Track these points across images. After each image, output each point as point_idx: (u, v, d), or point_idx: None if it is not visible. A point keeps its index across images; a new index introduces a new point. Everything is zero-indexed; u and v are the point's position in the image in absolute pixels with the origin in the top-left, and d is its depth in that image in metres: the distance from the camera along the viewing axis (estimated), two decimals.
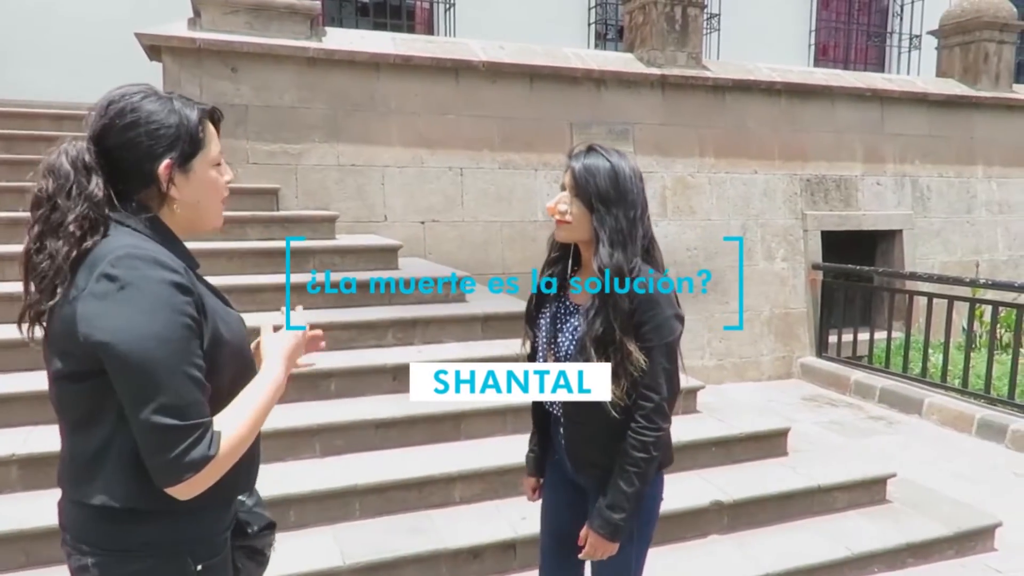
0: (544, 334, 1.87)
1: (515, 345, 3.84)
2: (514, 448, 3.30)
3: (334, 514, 2.90)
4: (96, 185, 1.22)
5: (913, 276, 6.03)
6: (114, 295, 1.15)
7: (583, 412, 1.77)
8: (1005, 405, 5.09)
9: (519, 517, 2.98)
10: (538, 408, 1.97)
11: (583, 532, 1.79)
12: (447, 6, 8.91)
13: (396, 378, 3.57)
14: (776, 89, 6.59)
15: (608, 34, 10.08)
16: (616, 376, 1.68)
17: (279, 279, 4.04)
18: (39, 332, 1.26)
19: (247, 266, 4.14)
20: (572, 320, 1.82)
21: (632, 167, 1.76)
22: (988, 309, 5.47)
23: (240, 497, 1.49)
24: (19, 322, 1.25)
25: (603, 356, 1.69)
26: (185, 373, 1.15)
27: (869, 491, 3.49)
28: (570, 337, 1.80)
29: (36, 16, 7.24)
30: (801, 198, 6.74)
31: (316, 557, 2.65)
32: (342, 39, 5.41)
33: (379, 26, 8.48)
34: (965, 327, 6.07)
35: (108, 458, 1.21)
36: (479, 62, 5.60)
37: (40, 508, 2.65)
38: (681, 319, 1.75)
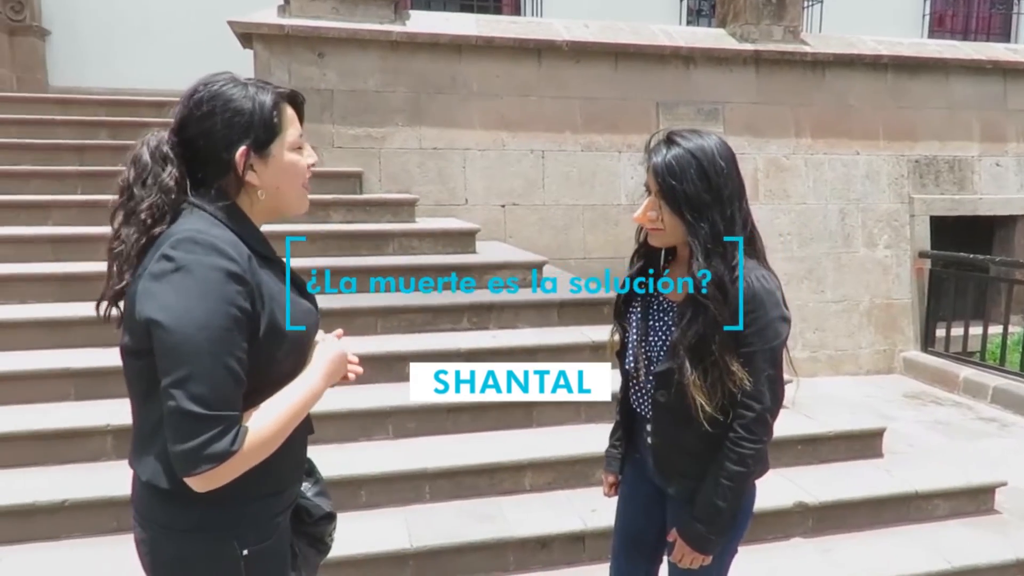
0: (635, 331, 1.73)
1: (591, 332, 3.81)
2: (587, 438, 3.24)
3: (405, 496, 2.92)
4: (169, 175, 1.25)
5: None
6: (168, 276, 1.16)
7: (676, 419, 1.65)
8: None
9: (589, 509, 2.91)
10: (625, 404, 1.86)
11: (672, 533, 1.70)
12: None
13: (470, 362, 3.55)
14: (882, 63, 6.14)
15: (702, 9, 9.71)
16: (712, 391, 1.55)
17: (361, 262, 4.10)
18: (115, 312, 1.30)
19: (330, 248, 4.21)
20: (665, 319, 1.69)
21: (721, 151, 1.56)
22: None
23: (305, 484, 1.50)
24: (98, 304, 1.30)
25: (699, 367, 1.55)
26: (222, 363, 1.14)
27: (974, 499, 3.21)
28: (663, 338, 1.67)
29: (136, 10, 7.63)
30: (908, 181, 6.28)
31: (385, 538, 2.67)
32: (425, 22, 5.41)
33: (466, 8, 8.46)
34: None
35: (159, 437, 1.21)
36: (562, 42, 5.47)
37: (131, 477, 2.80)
38: (788, 321, 1.59)
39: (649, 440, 1.75)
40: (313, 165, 1.40)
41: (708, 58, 5.81)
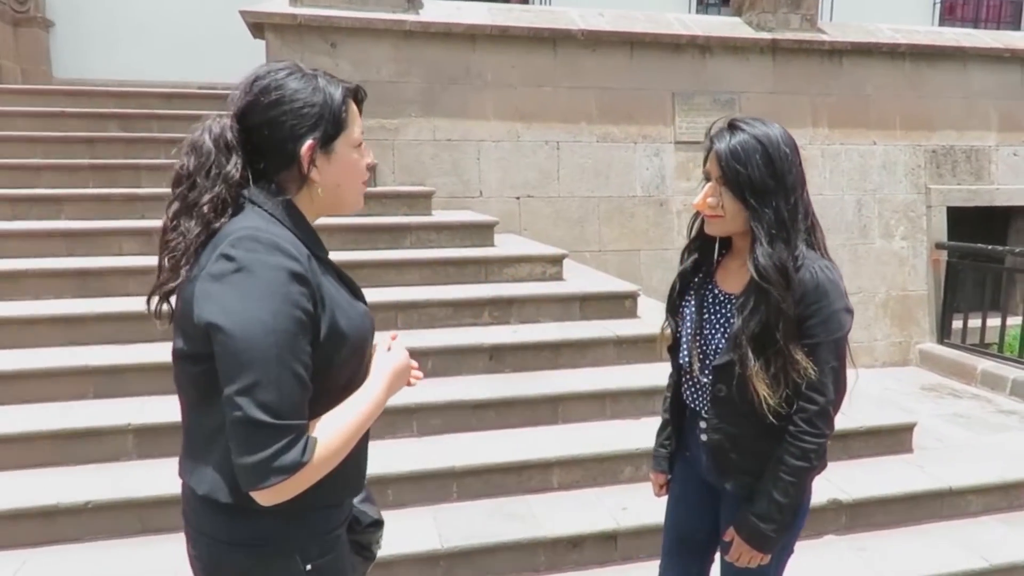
0: (689, 325, 1.68)
1: (615, 327, 3.76)
2: (613, 434, 3.20)
3: (432, 495, 2.87)
4: (235, 165, 1.18)
5: None
6: (229, 276, 1.09)
7: (735, 413, 1.60)
8: None
9: (620, 507, 2.87)
10: (676, 401, 1.81)
11: (729, 532, 1.65)
12: None
13: (492, 358, 3.51)
14: (900, 52, 6.07)
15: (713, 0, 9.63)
16: (776, 382, 1.51)
17: (377, 255, 4.04)
18: (165, 308, 1.23)
19: (346, 242, 4.15)
20: (722, 311, 1.64)
21: (785, 138, 1.54)
22: None
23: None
24: (148, 298, 1.22)
25: (761, 357, 1.51)
26: (289, 368, 1.08)
27: (1007, 495, 3.16)
28: (720, 330, 1.62)
29: (141, 0, 7.53)
30: (925, 171, 6.21)
31: (415, 539, 2.62)
32: (438, 11, 5.33)
33: None
34: None
35: (217, 447, 1.15)
36: (578, 31, 5.39)
37: (155, 477, 2.75)
38: (851, 312, 1.55)
39: (704, 437, 1.70)
40: (370, 165, 1.34)
41: (724, 47, 5.73)
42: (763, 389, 1.51)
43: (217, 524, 1.21)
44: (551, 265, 4.18)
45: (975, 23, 10.47)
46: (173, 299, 1.22)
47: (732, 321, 1.58)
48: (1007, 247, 6.26)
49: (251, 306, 1.07)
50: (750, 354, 1.51)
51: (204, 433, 1.18)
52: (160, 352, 3.28)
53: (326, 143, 1.22)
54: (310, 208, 1.26)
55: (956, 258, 6.08)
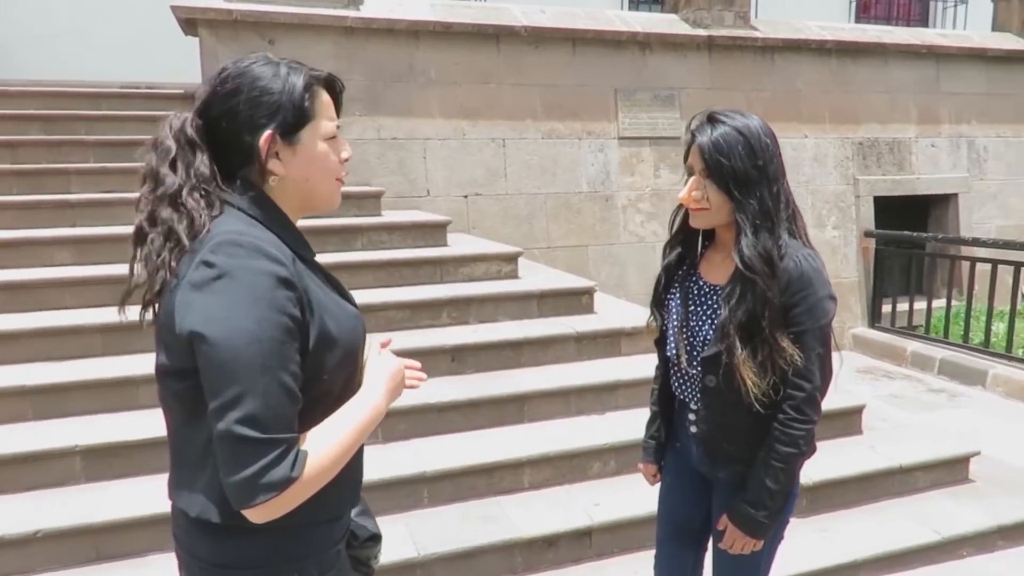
0: (675, 317, 1.71)
1: (574, 323, 3.77)
2: (579, 430, 3.21)
3: (403, 502, 2.81)
4: (202, 162, 1.12)
5: (975, 242, 5.77)
6: (210, 284, 1.03)
7: (724, 403, 1.63)
8: None
9: (592, 503, 2.88)
10: (664, 392, 1.83)
11: (723, 520, 1.68)
12: None
13: (455, 359, 3.47)
14: (827, 48, 6.31)
15: None
16: (763, 370, 1.53)
17: (328, 258, 3.91)
18: (148, 316, 1.16)
19: None
20: (708, 302, 1.66)
21: (764, 128, 1.56)
22: None
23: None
24: (120, 305, 1.15)
25: (748, 345, 1.54)
26: (277, 379, 1.02)
27: (952, 470, 3.34)
28: (707, 322, 1.64)
29: None
30: (853, 162, 6.49)
31: (390, 547, 2.54)
32: (379, 7, 5.22)
33: None
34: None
35: (208, 466, 1.09)
36: (521, 27, 5.39)
37: (107, 500, 2.61)
38: (834, 299, 1.59)
39: (693, 428, 1.73)
40: (347, 160, 1.27)
41: (663, 44, 5.83)
42: (751, 377, 1.53)
43: (211, 546, 1.14)
44: (506, 263, 4.16)
45: (888, 20, 11.00)
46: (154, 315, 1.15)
47: (719, 312, 1.60)
48: (929, 233, 6.61)
49: (235, 314, 1.01)
50: (737, 343, 1.53)
51: (193, 452, 1.12)
52: (105, 367, 3.13)
53: (288, 134, 1.15)
54: (283, 204, 1.19)
55: (883, 245, 6.38)
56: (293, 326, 1.05)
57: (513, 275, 4.17)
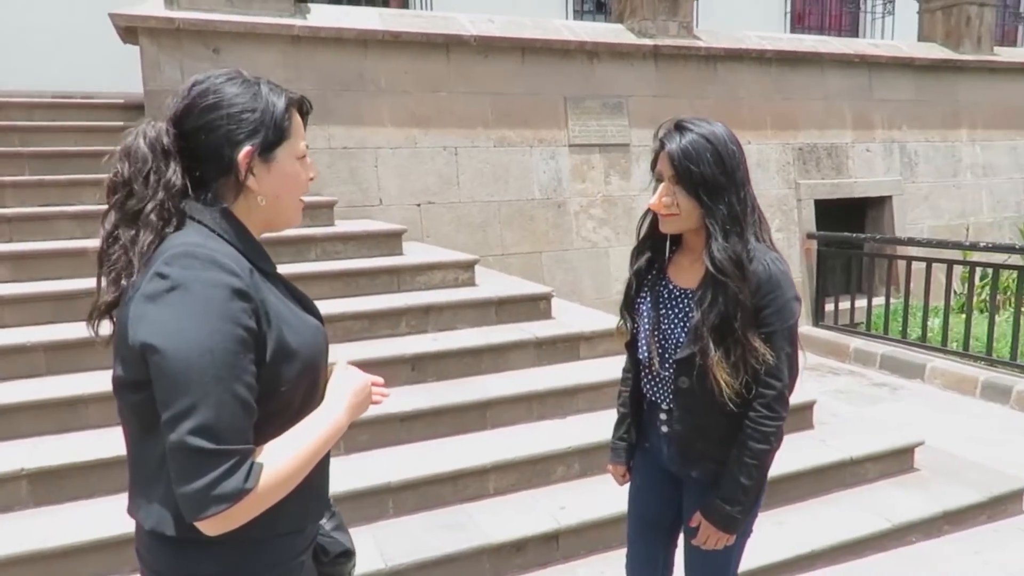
0: (647, 321, 1.74)
1: (533, 328, 3.80)
2: (542, 435, 3.23)
3: (368, 513, 2.78)
4: (174, 172, 1.12)
5: (911, 242, 6.04)
6: (163, 296, 1.02)
7: (697, 404, 1.66)
8: (1007, 367, 5.14)
9: (558, 507, 2.90)
10: (633, 394, 1.87)
11: (696, 517, 1.71)
12: None
13: (415, 368, 3.45)
14: (767, 57, 6.52)
15: (586, 7, 9.90)
16: (736, 370, 1.57)
17: (282, 269, 3.85)
18: (106, 331, 1.14)
19: None
20: (679, 306, 1.70)
21: (730, 136, 1.61)
22: (981, 271, 5.51)
23: (321, 520, 1.37)
24: (89, 319, 1.14)
25: (721, 346, 1.57)
26: (230, 390, 1.01)
27: (898, 460, 3.47)
28: (679, 324, 1.68)
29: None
30: (794, 167, 6.71)
31: (357, 560, 2.52)
32: (327, 16, 5.18)
33: (353, 2, 8.20)
34: (959, 291, 6.12)
35: (163, 479, 1.07)
36: (470, 36, 5.41)
37: (58, 524, 2.51)
38: (799, 300, 1.64)
39: (665, 428, 1.77)
40: (312, 179, 1.29)
41: (610, 53, 5.93)
42: (724, 377, 1.57)
43: (168, 560, 1.13)
44: (463, 271, 4.16)
45: (821, 30, 11.39)
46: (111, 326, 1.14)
47: (690, 315, 1.64)
48: (867, 234, 6.88)
49: (187, 325, 1.01)
50: (711, 345, 1.57)
51: (149, 465, 1.10)
52: (50, 387, 3.01)
53: (266, 151, 1.17)
54: (249, 219, 1.19)
55: (825, 246, 6.61)
56: (248, 337, 1.05)
57: (470, 282, 4.18)
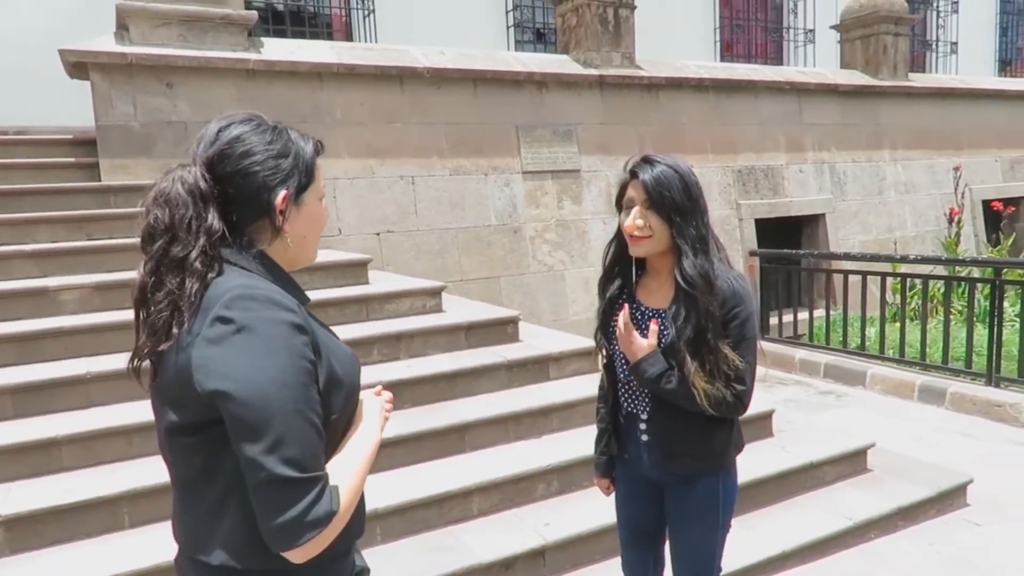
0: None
1: (503, 351, 3.88)
2: (520, 455, 3.31)
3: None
4: (214, 218, 1.14)
5: (847, 256, 6.39)
6: (229, 339, 1.06)
7: (678, 412, 1.80)
8: (940, 370, 5.49)
9: (543, 524, 2.98)
10: (612, 408, 1.99)
11: (623, 315, 1.82)
12: (366, 12, 8.74)
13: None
14: (705, 85, 6.85)
15: (526, 36, 10.17)
16: (712, 377, 1.72)
17: None
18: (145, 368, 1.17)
19: None
20: (653, 325, 1.83)
21: (690, 170, 1.79)
22: (910, 282, 5.90)
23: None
24: (130, 365, 1.16)
25: (697, 357, 1.72)
26: (307, 420, 1.07)
27: (853, 462, 3.68)
28: (655, 342, 1.81)
29: None
30: (735, 189, 7.03)
31: None
32: (280, 50, 5.22)
33: (297, 35, 8.23)
34: (890, 301, 6.50)
35: (226, 514, 1.12)
36: (423, 68, 5.53)
37: (39, 571, 2.44)
38: (757, 314, 1.80)
39: (645, 438, 1.90)
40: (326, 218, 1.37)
41: (558, 83, 6.14)
42: (702, 385, 1.72)
43: None
44: (430, 298, 4.23)
45: (747, 58, 11.98)
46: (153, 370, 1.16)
47: (666, 332, 1.79)
48: (804, 251, 7.24)
49: (259, 365, 1.05)
50: (687, 357, 1.72)
51: (208, 504, 1.14)
52: (19, 430, 2.92)
53: (298, 194, 1.22)
54: (279, 259, 1.25)
55: (766, 263, 6.92)
56: (312, 369, 1.11)
57: (438, 309, 4.24)
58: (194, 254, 1.11)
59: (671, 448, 1.86)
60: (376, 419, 1.29)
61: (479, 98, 5.83)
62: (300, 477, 1.03)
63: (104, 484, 2.75)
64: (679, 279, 1.73)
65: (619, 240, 1.88)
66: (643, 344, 1.78)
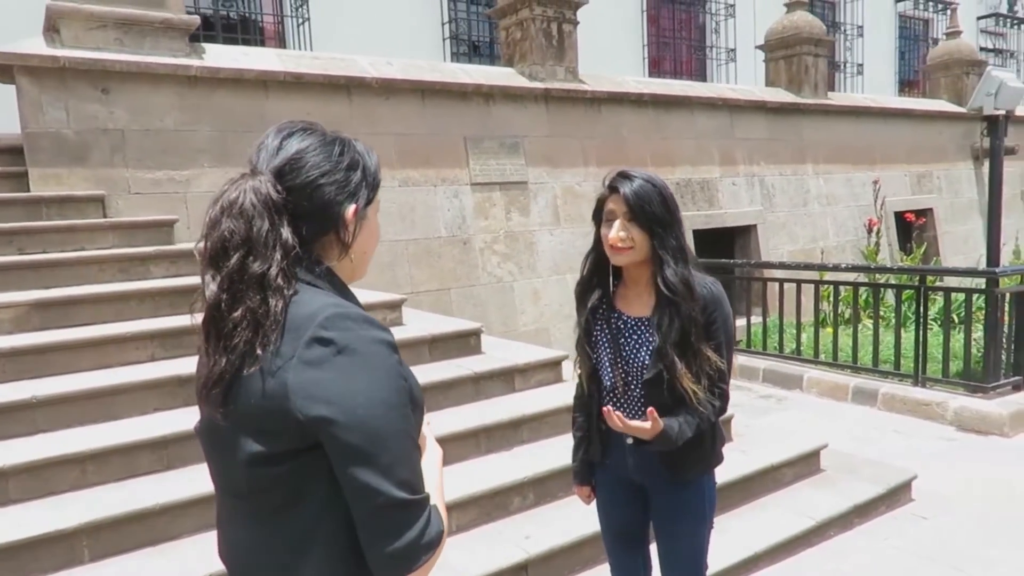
0: (608, 351, 1.92)
1: (469, 363, 3.85)
2: (494, 469, 3.29)
3: None
4: (288, 232, 1.06)
5: (781, 266, 6.68)
6: (331, 361, 1.00)
7: (668, 415, 1.85)
8: (870, 372, 5.79)
9: (523, 536, 2.96)
10: (591, 417, 2.02)
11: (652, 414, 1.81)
12: (300, 21, 8.57)
13: None
14: (644, 100, 7.04)
15: (461, 49, 10.20)
16: (697, 378, 1.81)
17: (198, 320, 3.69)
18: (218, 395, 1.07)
19: (161, 307, 3.73)
20: (636, 333, 1.89)
21: (665, 184, 1.88)
22: (837, 288, 6.22)
23: None
24: (207, 392, 1.05)
25: (683, 359, 1.80)
26: (412, 441, 1.05)
27: (808, 463, 3.83)
28: (641, 348, 1.87)
29: None
30: None
31: None
32: (225, 56, 5.04)
33: (228, 42, 7.97)
34: (825, 309, 6.82)
35: (315, 545, 1.06)
36: (372, 79, 5.46)
37: None
38: (733, 317, 1.93)
39: (630, 441, 1.94)
40: None
41: (505, 95, 6.18)
42: (690, 386, 1.81)
43: None
44: (391, 311, 4.16)
45: (674, 74, 12.39)
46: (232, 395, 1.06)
47: (651, 339, 1.85)
48: (738, 260, 7.51)
49: (364, 387, 1.00)
50: (676, 360, 1.80)
51: (290, 537, 1.06)
52: None
53: (364, 208, 1.17)
54: (342, 276, 1.18)
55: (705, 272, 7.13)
56: (408, 387, 1.08)
57: (399, 322, 4.18)
58: (274, 270, 1.04)
59: (665, 452, 1.89)
60: (432, 437, 1.27)
61: (427, 109, 5.80)
62: (415, 499, 1.01)
63: (59, 517, 2.56)
64: (663, 287, 1.80)
65: (597, 251, 1.93)
66: (647, 426, 1.79)
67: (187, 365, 3.34)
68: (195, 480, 2.79)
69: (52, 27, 4.48)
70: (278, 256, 1.05)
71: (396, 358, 1.07)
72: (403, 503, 0.99)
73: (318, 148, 1.12)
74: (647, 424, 1.78)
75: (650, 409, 1.80)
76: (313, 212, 1.10)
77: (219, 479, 1.14)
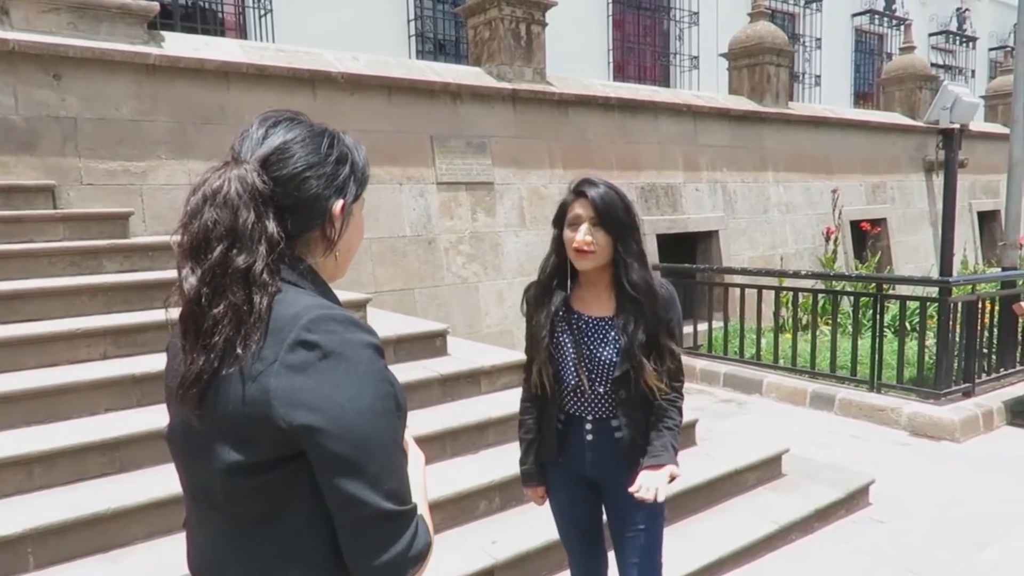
0: (571, 351, 1.97)
1: (434, 365, 3.79)
2: (459, 472, 3.24)
3: None
4: (273, 225, 0.99)
5: (743, 271, 6.76)
6: (316, 366, 0.94)
7: (634, 410, 1.93)
8: (828, 378, 5.90)
9: (489, 542, 2.92)
10: (549, 420, 2.04)
11: (636, 483, 1.84)
12: (262, 12, 8.39)
13: None
14: (611, 104, 7.06)
15: (427, 47, 10.11)
16: (660, 373, 1.90)
17: (160, 316, 3.55)
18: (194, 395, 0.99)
19: (114, 303, 3.59)
20: (599, 333, 1.95)
21: (624, 193, 1.95)
22: (796, 295, 6.33)
23: None
24: (183, 391, 0.98)
25: (649, 357, 1.89)
26: (399, 449, 1.00)
27: (770, 468, 3.87)
28: (606, 347, 1.94)
29: None
30: (638, 204, 7.26)
31: None
32: (184, 45, 4.89)
33: (187, 31, 7.75)
34: (785, 314, 6.93)
35: (296, 560, 1.00)
36: (338, 73, 5.36)
37: None
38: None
39: (590, 437, 1.99)
40: None
41: (472, 95, 6.13)
42: (655, 383, 1.90)
43: None
44: (356, 311, 4.06)
45: (638, 79, 12.50)
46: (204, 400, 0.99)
47: (615, 338, 1.91)
48: (700, 265, 7.59)
49: (351, 394, 0.94)
50: (643, 359, 1.88)
51: (271, 550, 1.00)
52: None
53: (350, 204, 1.10)
54: (327, 274, 1.12)
55: (665, 277, 7.20)
56: (394, 393, 1.02)
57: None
58: (259, 264, 0.97)
59: (633, 442, 1.95)
60: (412, 442, 1.21)
61: (394, 106, 5.71)
62: (401, 510, 0.96)
63: (2, 522, 2.43)
64: (629, 289, 1.88)
65: (558, 254, 1.97)
66: (664, 475, 1.86)
67: (142, 363, 3.21)
68: (150, 483, 2.69)
69: (2, 9, 4.28)
70: (263, 250, 0.98)
71: (382, 363, 1.01)
72: (390, 515, 0.94)
73: (306, 139, 1.06)
74: (664, 475, 1.86)
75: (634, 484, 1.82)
76: (299, 206, 1.04)
77: (191, 487, 1.07)
